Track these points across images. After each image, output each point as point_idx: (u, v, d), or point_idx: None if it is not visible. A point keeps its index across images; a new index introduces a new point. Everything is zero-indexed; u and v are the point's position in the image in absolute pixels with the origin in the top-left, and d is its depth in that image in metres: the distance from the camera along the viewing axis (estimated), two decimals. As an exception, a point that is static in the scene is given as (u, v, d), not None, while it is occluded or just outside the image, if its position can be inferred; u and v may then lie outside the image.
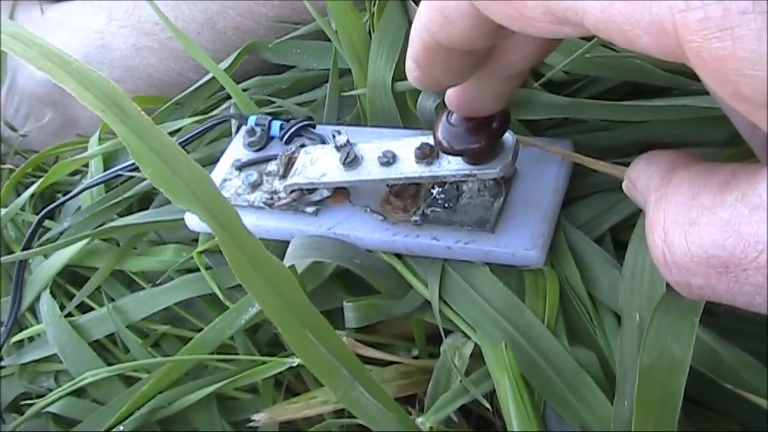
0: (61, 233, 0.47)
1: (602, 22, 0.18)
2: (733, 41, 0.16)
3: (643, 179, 0.23)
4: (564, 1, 0.19)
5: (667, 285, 0.27)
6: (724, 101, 0.18)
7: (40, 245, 0.47)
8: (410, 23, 0.40)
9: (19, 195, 0.52)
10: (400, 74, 0.40)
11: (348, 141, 0.35)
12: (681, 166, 0.21)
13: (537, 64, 0.29)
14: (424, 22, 0.24)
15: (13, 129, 0.62)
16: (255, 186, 0.38)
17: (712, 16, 0.17)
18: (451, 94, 0.29)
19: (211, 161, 0.42)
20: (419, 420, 0.31)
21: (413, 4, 0.41)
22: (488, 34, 0.23)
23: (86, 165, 0.51)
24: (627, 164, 0.32)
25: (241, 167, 0.40)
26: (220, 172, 0.40)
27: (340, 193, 0.36)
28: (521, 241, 0.33)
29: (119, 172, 0.45)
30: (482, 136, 0.30)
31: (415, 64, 0.26)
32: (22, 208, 0.51)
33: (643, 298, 0.29)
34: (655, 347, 0.26)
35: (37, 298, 0.45)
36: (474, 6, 0.22)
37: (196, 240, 0.41)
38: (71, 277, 0.46)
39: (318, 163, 0.36)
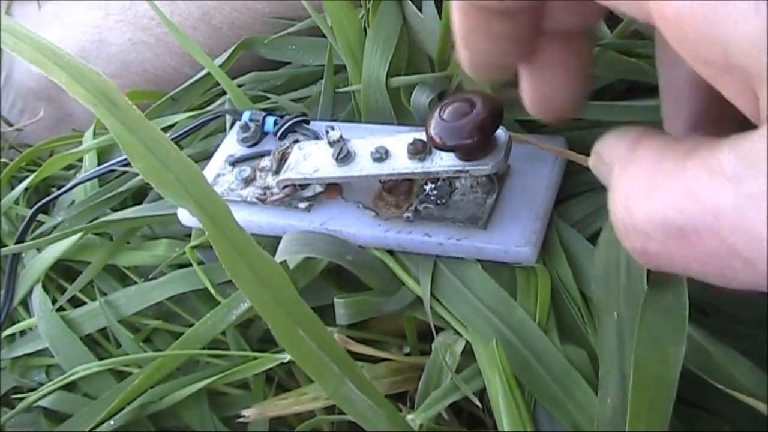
0: (55, 227, 0.47)
1: None
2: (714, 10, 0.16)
3: (610, 151, 0.23)
4: None
5: (648, 282, 0.28)
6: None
7: (34, 239, 0.46)
8: (405, 19, 0.41)
9: (13, 189, 0.52)
10: (394, 70, 0.39)
11: (341, 137, 0.35)
12: (647, 136, 0.21)
13: (589, 26, 0.28)
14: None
15: (9, 123, 0.62)
16: (248, 181, 0.38)
17: None
18: (525, 90, 0.28)
19: (206, 156, 0.42)
20: (410, 417, 0.31)
21: (409, 1, 0.41)
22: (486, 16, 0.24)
23: (80, 159, 0.51)
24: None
25: (235, 162, 0.39)
26: (213, 168, 0.40)
27: (333, 188, 0.36)
28: (513, 238, 0.32)
29: (113, 167, 0.45)
30: (474, 133, 0.30)
31: (462, 42, 0.26)
32: (16, 202, 0.51)
33: (620, 296, 0.29)
34: (648, 343, 0.26)
35: (30, 291, 0.45)
36: None
37: (189, 235, 0.41)
38: (64, 271, 0.46)
39: (311, 159, 0.36)
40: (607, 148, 0.23)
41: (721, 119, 0.25)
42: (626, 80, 0.36)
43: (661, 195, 0.19)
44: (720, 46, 0.17)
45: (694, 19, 0.17)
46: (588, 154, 0.33)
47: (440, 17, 0.38)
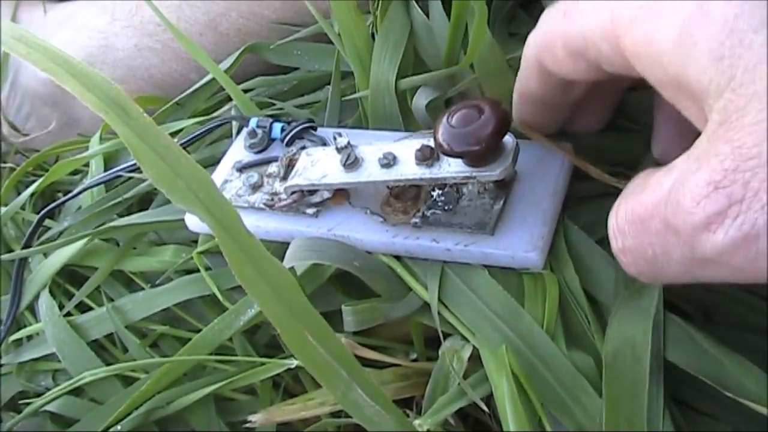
0: (61, 232, 0.47)
1: (586, 43, 0.25)
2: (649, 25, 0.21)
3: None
4: (574, 27, 0.25)
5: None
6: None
7: (40, 244, 0.47)
8: (413, 24, 0.41)
9: (19, 194, 0.52)
10: (402, 75, 0.40)
11: (349, 143, 0.35)
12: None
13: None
14: (519, 76, 0.32)
15: (15, 128, 0.62)
16: (256, 187, 0.38)
17: (632, 5, 0.22)
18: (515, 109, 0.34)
19: (212, 162, 0.42)
20: (417, 422, 0.31)
21: (416, 5, 0.41)
22: (552, 87, 0.30)
23: (87, 164, 0.51)
24: (626, 168, 0.33)
25: (242, 169, 0.40)
26: (221, 174, 0.40)
27: (341, 194, 0.36)
28: (521, 244, 0.33)
29: (120, 173, 0.45)
30: (482, 139, 0.30)
31: (515, 107, 0.33)
32: (23, 207, 0.51)
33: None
34: (618, 336, 0.29)
35: (37, 296, 0.45)
36: (538, 61, 0.29)
37: (196, 241, 0.41)
38: (71, 276, 0.46)
39: (319, 165, 0.36)
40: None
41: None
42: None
43: (634, 198, 0.23)
44: (660, 65, 0.22)
45: (644, 44, 0.22)
46: (593, 161, 0.33)
47: (449, 20, 0.38)
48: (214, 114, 0.48)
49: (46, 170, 0.52)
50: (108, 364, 0.41)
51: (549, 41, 0.27)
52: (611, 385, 0.28)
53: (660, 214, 0.21)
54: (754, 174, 0.18)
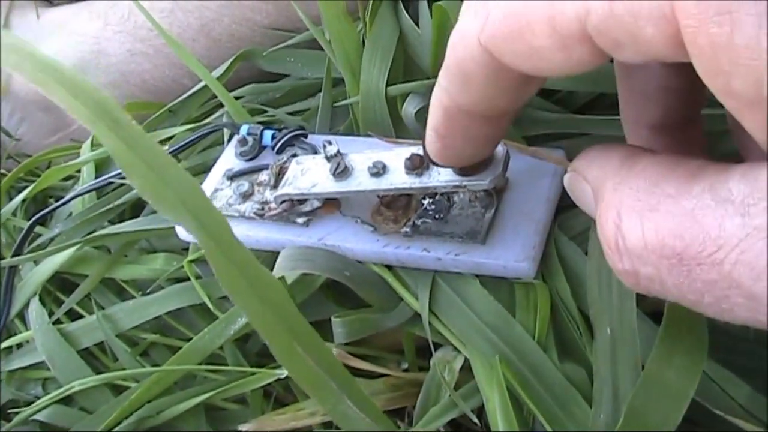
0: (52, 239, 0.46)
1: (605, 20, 0.17)
2: (731, 26, 0.15)
3: (596, 167, 0.22)
4: (566, 5, 0.18)
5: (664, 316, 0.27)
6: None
7: (31, 251, 0.46)
8: (402, 30, 0.40)
9: (11, 199, 0.52)
10: (392, 81, 0.39)
11: (338, 151, 0.35)
12: (643, 154, 0.21)
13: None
14: (443, 85, 0.23)
15: (7, 133, 0.62)
16: (246, 196, 0.38)
17: None
18: (432, 144, 0.27)
19: (204, 169, 0.42)
20: (408, 434, 0.31)
21: (405, 11, 0.41)
22: (507, 90, 0.22)
23: (79, 170, 0.51)
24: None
25: (233, 177, 0.39)
26: (211, 182, 0.40)
27: (331, 203, 0.36)
28: (512, 253, 0.32)
29: (111, 179, 0.45)
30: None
31: (435, 134, 0.26)
32: (14, 213, 0.51)
33: (613, 311, 0.29)
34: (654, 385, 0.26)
35: (27, 304, 0.45)
36: (490, 54, 0.21)
37: (187, 249, 0.41)
38: (61, 283, 0.46)
39: (308, 174, 0.36)
40: (592, 165, 0.22)
41: (683, 123, 0.25)
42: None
43: (659, 217, 0.18)
44: (754, 79, 0.16)
45: (732, 51, 0.16)
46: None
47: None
48: (206, 121, 0.48)
49: (38, 175, 0.52)
50: (98, 373, 0.40)
51: (517, 27, 0.19)
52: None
53: (720, 265, 0.17)
54: None
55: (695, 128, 0.26)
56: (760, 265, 0.16)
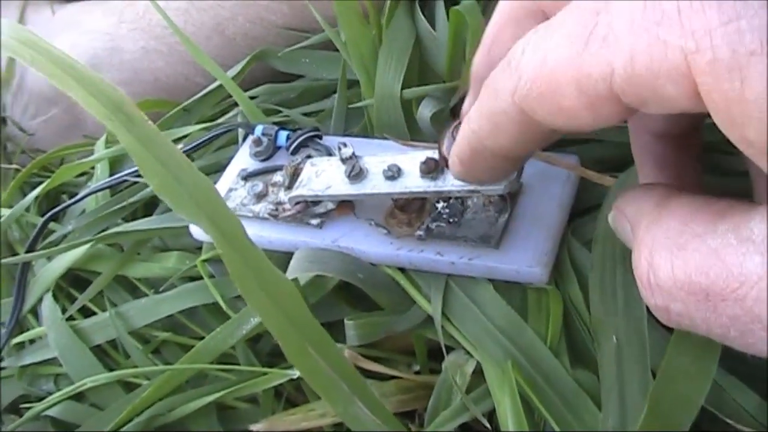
0: (65, 236, 0.47)
1: (628, 79, 0.18)
2: (742, 83, 0.16)
3: (635, 206, 0.23)
4: (592, 67, 0.19)
5: (649, 312, 0.28)
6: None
7: (44, 247, 0.46)
8: (418, 33, 0.40)
9: (24, 195, 0.52)
10: (407, 84, 0.39)
11: (353, 154, 0.35)
12: (676, 194, 0.21)
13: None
14: (474, 127, 0.24)
15: (21, 128, 0.62)
16: (260, 196, 0.38)
17: (721, 57, 0.16)
18: (454, 167, 0.29)
19: (218, 169, 0.42)
20: (419, 437, 0.31)
21: (421, 14, 0.41)
22: (535, 140, 0.23)
23: (93, 167, 0.51)
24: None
25: (247, 177, 0.40)
26: (226, 182, 0.40)
27: (345, 205, 0.36)
28: (525, 258, 0.32)
29: (125, 178, 0.45)
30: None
31: (459, 161, 0.27)
32: (27, 209, 0.51)
33: (619, 319, 0.29)
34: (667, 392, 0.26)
35: (40, 300, 0.45)
36: (522, 111, 0.22)
37: (200, 248, 0.41)
38: (74, 280, 0.46)
39: (323, 176, 0.36)
40: (631, 205, 0.23)
41: (685, 132, 0.27)
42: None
43: (687, 255, 0.19)
44: (766, 130, 0.17)
45: (743, 105, 0.17)
46: (599, 171, 0.33)
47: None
48: (221, 120, 0.48)
49: (52, 171, 0.52)
50: (110, 370, 0.40)
51: (548, 90, 0.20)
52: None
53: (742, 301, 0.18)
54: None
55: (695, 136, 0.28)
56: None
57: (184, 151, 0.43)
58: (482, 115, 0.24)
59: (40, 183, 0.51)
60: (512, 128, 0.23)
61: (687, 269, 0.19)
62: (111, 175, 0.48)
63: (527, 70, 0.21)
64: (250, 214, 0.37)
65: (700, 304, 0.19)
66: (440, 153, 0.31)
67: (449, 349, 0.33)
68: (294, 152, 0.40)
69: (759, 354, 0.19)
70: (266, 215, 0.37)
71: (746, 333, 0.18)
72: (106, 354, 0.42)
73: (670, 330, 0.28)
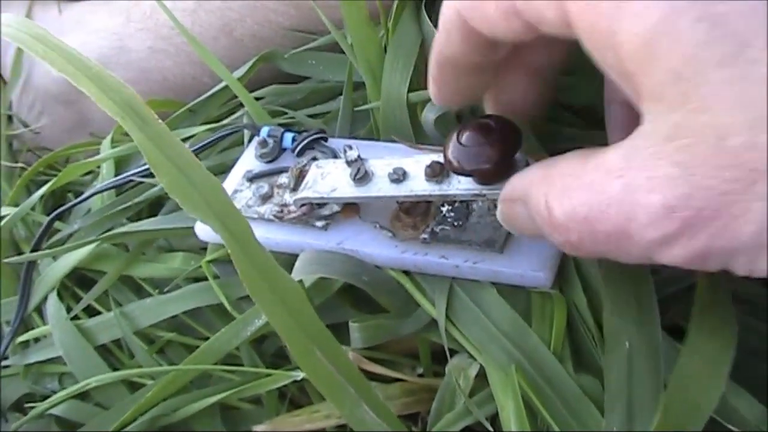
0: (71, 235, 0.47)
1: (524, 2, 0.24)
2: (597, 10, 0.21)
3: (520, 183, 0.27)
4: None
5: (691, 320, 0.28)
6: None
7: (49, 246, 0.47)
8: (425, 37, 0.41)
9: (30, 194, 0.52)
10: (414, 87, 0.40)
11: (359, 156, 0.35)
12: (558, 157, 0.26)
13: (553, 67, 0.33)
14: (436, 39, 0.29)
15: (27, 126, 0.62)
16: (265, 198, 0.38)
17: None
18: (489, 100, 0.33)
19: (223, 170, 0.42)
20: (422, 440, 0.31)
21: (427, 17, 0.41)
22: (478, 46, 0.28)
23: (99, 166, 0.51)
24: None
25: (253, 179, 0.40)
26: (231, 183, 0.40)
27: (351, 208, 0.36)
28: (530, 262, 0.32)
29: (130, 178, 0.45)
30: (493, 158, 0.30)
31: (432, 79, 0.31)
32: (33, 208, 0.51)
33: (631, 325, 0.29)
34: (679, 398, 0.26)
35: (45, 299, 0.45)
36: (463, 19, 0.27)
37: (205, 248, 0.41)
38: (79, 279, 0.46)
39: (329, 178, 0.36)
40: (517, 187, 0.28)
41: None
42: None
43: (571, 193, 0.24)
44: (613, 51, 0.21)
45: (601, 22, 0.21)
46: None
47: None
48: (226, 121, 0.48)
49: (58, 170, 0.52)
50: (114, 370, 0.41)
51: (478, 1, 0.26)
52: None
53: (611, 220, 0.22)
54: (707, 203, 0.20)
55: None
56: (634, 214, 0.21)
57: (191, 152, 0.43)
58: (439, 27, 0.29)
59: (46, 182, 0.51)
60: (458, 35, 0.28)
61: (573, 204, 0.23)
62: (117, 174, 0.48)
63: None
64: (256, 216, 0.38)
65: (585, 229, 0.23)
66: (445, 158, 0.31)
67: (453, 353, 0.33)
68: (299, 154, 0.40)
69: (633, 261, 0.23)
70: (271, 217, 0.37)
71: (618, 246, 0.23)
72: (110, 353, 0.43)
73: (679, 338, 0.29)
